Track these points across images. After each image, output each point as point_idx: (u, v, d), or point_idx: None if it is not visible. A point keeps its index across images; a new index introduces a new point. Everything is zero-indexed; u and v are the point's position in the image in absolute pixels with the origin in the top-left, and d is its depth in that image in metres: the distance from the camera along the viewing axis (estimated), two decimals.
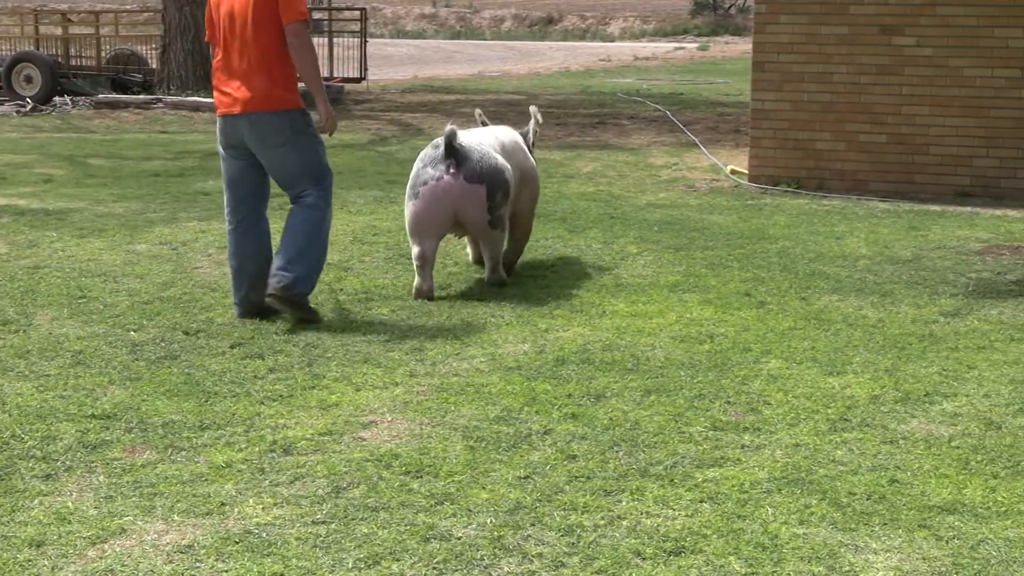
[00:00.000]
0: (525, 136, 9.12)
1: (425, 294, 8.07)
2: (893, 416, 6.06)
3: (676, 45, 42.95)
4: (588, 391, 6.37)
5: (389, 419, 5.97)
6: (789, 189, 12.54)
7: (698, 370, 6.75)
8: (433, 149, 8.17)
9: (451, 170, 8.04)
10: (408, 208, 8.10)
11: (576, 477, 5.25)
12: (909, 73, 12.43)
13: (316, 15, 23.32)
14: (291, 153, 7.43)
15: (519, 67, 31.76)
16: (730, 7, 54.93)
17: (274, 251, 7.63)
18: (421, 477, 5.25)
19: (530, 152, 9.04)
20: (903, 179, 12.56)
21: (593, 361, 6.87)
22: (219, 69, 7.56)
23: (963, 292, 8.52)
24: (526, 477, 5.25)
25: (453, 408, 6.11)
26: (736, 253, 9.67)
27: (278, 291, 7.33)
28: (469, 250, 9.05)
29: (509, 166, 8.26)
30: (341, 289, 8.48)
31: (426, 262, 8.06)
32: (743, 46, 37.91)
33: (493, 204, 8.15)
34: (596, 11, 56.13)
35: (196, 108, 19.70)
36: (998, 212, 11.70)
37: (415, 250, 8.08)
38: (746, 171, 13.15)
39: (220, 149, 7.61)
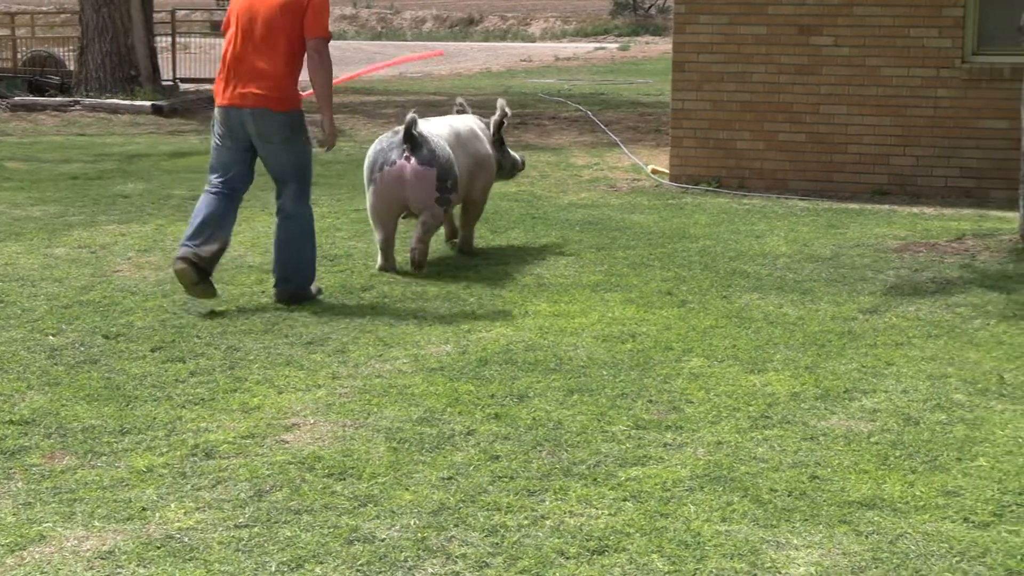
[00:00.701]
0: (488, 126, 9.55)
1: (389, 271, 8.80)
2: (813, 413, 6.10)
3: (597, 45, 43.06)
4: (511, 391, 6.37)
5: (312, 421, 5.94)
6: (710, 188, 12.59)
7: (620, 369, 6.76)
8: (391, 135, 8.64)
9: (405, 155, 8.52)
10: (368, 190, 8.68)
11: (499, 477, 5.25)
12: (827, 72, 12.54)
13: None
14: (287, 151, 7.91)
15: (441, 68, 31.71)
16: (650, 7, 55.15)
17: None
18: (344, 479, 5.23)
19: (501, 143, 9.66)
20: (822, 177, 12.66)
21: (516, 361, 6.87)
22: (229, 62, 7.94)
23: (882, 289, 8.54)
24: (449, 478, 5.24)
25: (376, 410, 6.09)
26: (657, 252, 9.70)
27: (285, 300, 8.00)
28: (443, 230, 9.52)
29: (453, 157, 8.69)
30: (263, 292, 8.42)
31: (388, 245, 8.75)
32: (663, 46, 38.05)
33: (442, 187, 8.60)
34: (517, 12, 56.19)
35: (115, 111, 19.51)
36: (915, 210, 11.81)
37: (377, 235, 8.74)
38: (667, 170, 13.18)
39: (216, 137, 8.02)
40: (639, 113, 19.66)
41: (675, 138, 13.09)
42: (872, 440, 5.72)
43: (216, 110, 8.03)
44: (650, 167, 13.81)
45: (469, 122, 9.37)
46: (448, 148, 8.74)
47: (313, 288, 8.12)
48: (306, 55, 7.91)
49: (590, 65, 33.03)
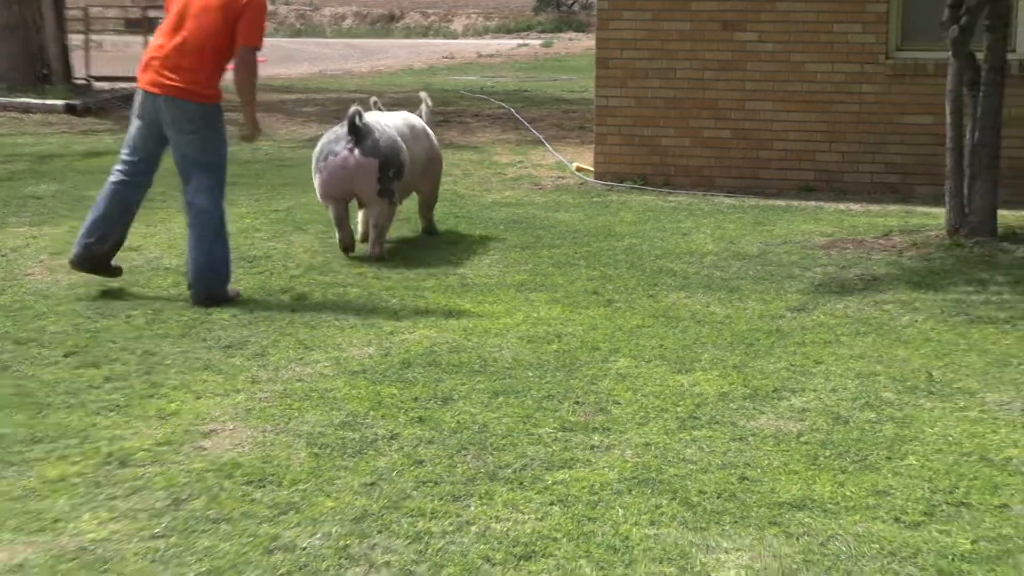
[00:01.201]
0: (423, 120, 10.12)
1: (348, 244, 9.28)
2: (742, 413, 6.09)
3: (520, 42, 43.09)
4: (435, 394, 6.32)
5: (231, 427, 5.86)
6: (635, 186, 12.59)
7: (546, 370, 6.72)
8: (340, 127, 9.16)
9: (350, 146, 9.02)
10: (315, 179, 9.21)
11: (424, 483, 5.20)
12: (751, 68, 12.58)
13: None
14: (196, 141, 7.97)
15: (361, 65, 31.58)
16: (573, 4, 55.26)
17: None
18: (264, 487, 5.16)
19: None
20: (748, 174, 12.69)
21: (440, 363, 6.83)
22: (156, 47, 8.06)
23: (809, 287, 8.57)
24: (372, 484, 5.18)
25: (297, 414, 6.02)
26: (583, 251, 9.67)
27: (202, 302, 7.96)
28: (359, 224, 9.71)
29: (405, 147, 9.21)
30: (180, 295, 8.32)
31: (341, 219, 9.24)
32: (587, 42, 38.13)
33: (384, 177, 9.06)
34: (438, 8, 56.12)
35: (26, 110, 19.22)
36: (841, 206, 11.87)
37: (329, 212, 9.35)
38: (592, 168, 13.13)
39: (133, 115, 8.20)
40: (563, 110, 19.67)
41: (599, 135, 13.08)
42: (801, 440, 5.72)
43: (137, 91, 8.19)
44: (575, 165, 13.79)
45: (418, 120, 9.99)
46: (397, 138, 9.21)
47: (230, 290, 8.09)
48: (234, 58, 8.06)
49: (513, 62, 33.06)
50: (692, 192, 12.45)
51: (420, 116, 10.19)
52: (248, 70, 8.03)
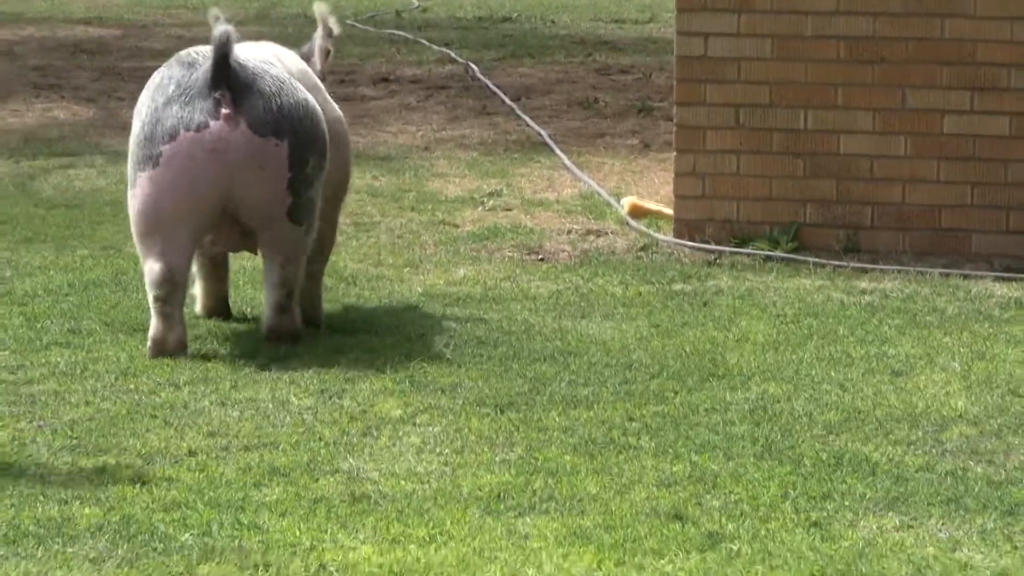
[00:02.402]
0: (309, 63, 7.65)
1: (172, 350, 6.73)
2: None
3: None
4: None
5: None
6: (774, 252, 8.51)
7: None
8: (184, 69, 6.80)
9: (226, 109, 6.69)
10: (138, 188, 6.72)
11: None
12: None
13: None
14: None
15: None
16: None
17: None
18: None
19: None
20: None
21: None
22: None
23: None
24: None
25: None
26: (648, 412, 6.33)
27: None
28: (199, 291, 7.35)
29: (322, 112, 7.08)
30: None
31: (175, 289, 6.73)
32: None
33: (299, 175, 6.77)
34: None
35: None
36: None
37: (155, 268, 6.68)
38: (670, 212, 8.92)
39: None
40: (595, 69, 13.73)
41: (686, 132, 8.74)
42: None
43: None
44: (627, 204, 9.54)
45: (295, 58, 7.55)
46: (308, 96, 7.19)
47: None
48: None
49: None
50: (917, 267, 8.37)
51: (313, 57, 7.70)
52: None
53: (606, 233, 9.37)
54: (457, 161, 10.90)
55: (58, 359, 6.61)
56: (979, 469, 6.02)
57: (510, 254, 8.91)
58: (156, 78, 6.89)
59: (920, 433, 6.37)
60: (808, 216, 8.79)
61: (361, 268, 8.43)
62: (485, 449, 6.14)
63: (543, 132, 11.25)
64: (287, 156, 6.64)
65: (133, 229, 6.74)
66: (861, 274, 8.46)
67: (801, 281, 8.29)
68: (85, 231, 8.88)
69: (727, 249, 8.74)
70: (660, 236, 8.97)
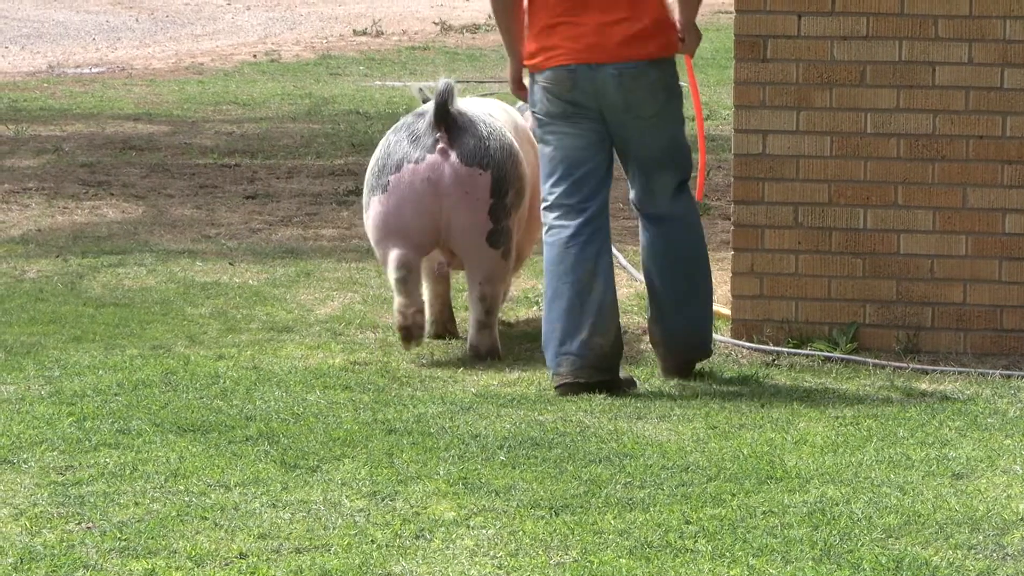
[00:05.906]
0: (524, 116, 8.75)
1: (412, 326, 7.79)
2: None
3: None
4: None
5: None
6: (833, 353, 7.90)
7: None
8: (415, 117, 8.03)
9: (441, 146, 7.79)
10: (371, 209, 7.91)
11: None
12: None
13: None
14: (662, 123, 7.48)
15: (152, 51, 19.94)
16: None
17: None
18: None
19: None
20: None
21: None
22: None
23: None
24: None
25: None
26: (705, 516, 6.05)
27: (703, 356, 7.68)
28: (428, 310, 8.32)
29: (523, 156, 8.13)
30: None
31: (411, 271, 7.75)
32: None
33: (498, 204, 7.78)
34: None
35: None
36: None
37: (393, 255, 7.73)
38: (727, 312, 8.73)
39: (546, 115, 7.53)
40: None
41: (744, 229, 8.32)
42: None
43: (548, 75, 7.45)
44: None
45: (514, 112, 8.76)
46: (512, 139, 8.40)
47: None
48: None
49: None
50: (978, 368, 8.06)
51: (522, 113, 8.69)
52: None
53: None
54: None
55: (107, 460, 6.48)
56: None
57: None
58: (395, 125, 8.08)
59: (981, 537, 6.04)
60: (867, 316, 8.61)
61: (414, 369, 8.62)
62: (540, 552, 5.85)
63: None
64: (489, 185, 7.55)
65: (370, 239, 7.88)
66: (921, 375, 8.21)
67: (860, 382, 8.03)
68: (134, 330, 8.87)
69: (785, 350, 8.57)
70: (718, 337, 8.84)
